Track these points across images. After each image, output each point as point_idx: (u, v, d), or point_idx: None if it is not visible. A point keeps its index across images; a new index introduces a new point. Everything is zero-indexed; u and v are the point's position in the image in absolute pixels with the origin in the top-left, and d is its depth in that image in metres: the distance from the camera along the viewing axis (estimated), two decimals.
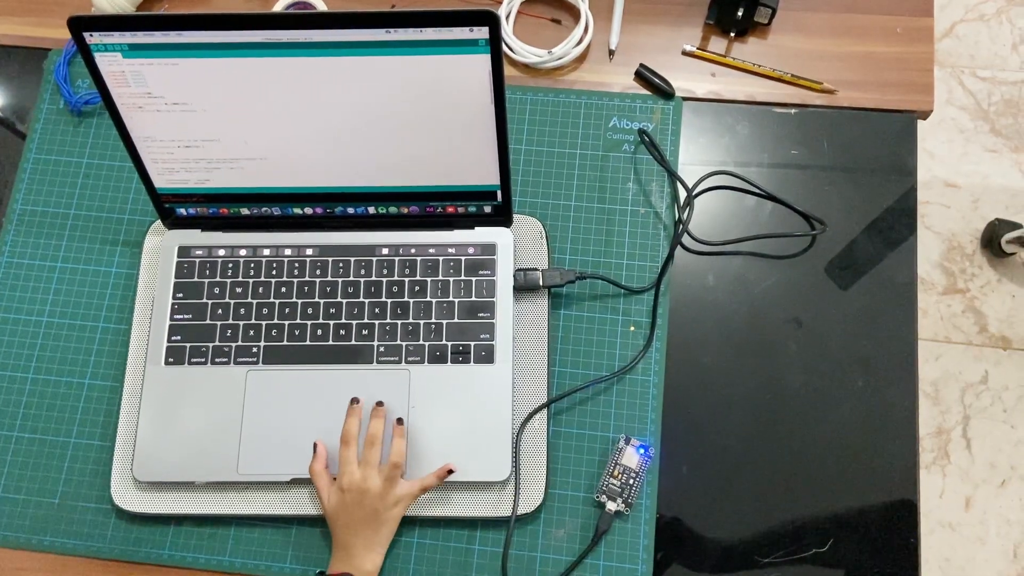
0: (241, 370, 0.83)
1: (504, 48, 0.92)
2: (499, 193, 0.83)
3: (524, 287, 0.85)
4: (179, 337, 0.84)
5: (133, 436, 0.82)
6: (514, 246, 0.86)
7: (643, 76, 0.93)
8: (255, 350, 0.84)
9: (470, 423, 0.81)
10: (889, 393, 0.83)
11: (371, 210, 0.85)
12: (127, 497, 0.81)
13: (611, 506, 0.80)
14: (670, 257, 0.84)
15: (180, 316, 0.85)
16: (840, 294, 0.86)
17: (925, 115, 0.91)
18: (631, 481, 0.80)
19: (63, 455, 0.84)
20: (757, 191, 0.89)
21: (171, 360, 0.84)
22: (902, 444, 0.82)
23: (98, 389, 0.86)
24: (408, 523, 0.81)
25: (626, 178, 0.91)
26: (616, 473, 0.81)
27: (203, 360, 0.84)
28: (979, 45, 1.91)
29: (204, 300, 0.85)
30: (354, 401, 0.80)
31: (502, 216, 0.85)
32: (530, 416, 0.82)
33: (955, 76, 1.89)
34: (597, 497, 0.80)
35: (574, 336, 0.86)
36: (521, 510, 0.80)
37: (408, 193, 0.82)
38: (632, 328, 0.86)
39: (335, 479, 0.77)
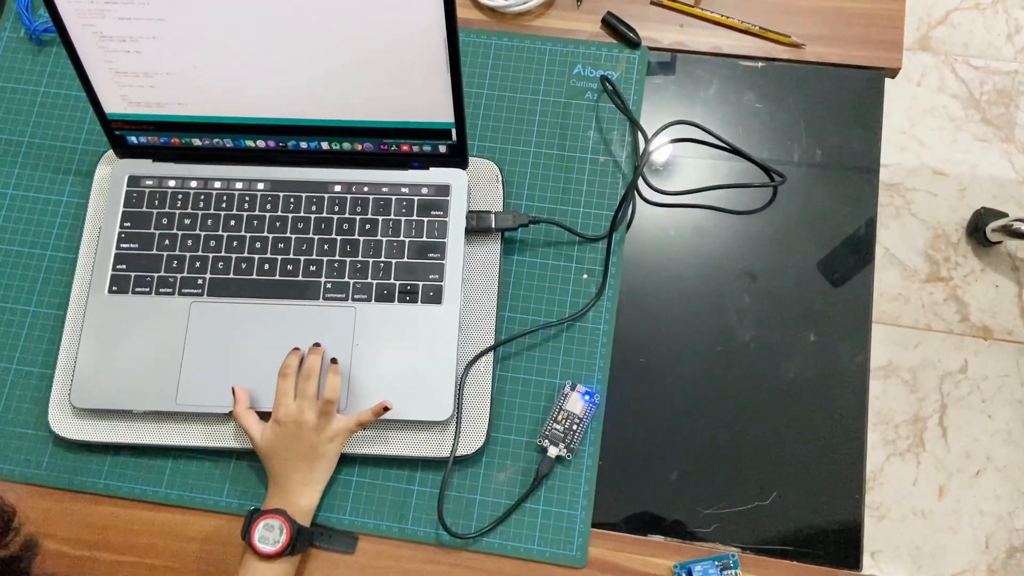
0: (185, 301, 0.82)
1: None
2: (454, 132, 0.81)
3: (476, 229, 0.84)
4: (124, 266, 0.83)
5: (73, 363, 0.81)
6: (468, 188, 0.85)
7: (610, 24, 0.92)
8: (200, 282, 0.82)
9: (414, 363, 0.80)
10: (841, 348, 0.82)
11: (324, 146, 0.84)
12: (64, 424, 0.80)
13: (553, 451, 0.79)
14: (624, 202, 0.82)
15: (126, 245, 0.84)
16: (797, 250, 0.85)
17: (893, 73, 0.90)
18: (574, 427, 0.79)
19: (3, 381, 0.83)
20: (719, 143, 0.88)
21: (115, 289, 0.83)
22: (852, 400, 0.80)
23: (42, 317, 0.85)
24: (347, 461, 0.80)
25: (587, 126, 0.89)
26: (560, 418, 0.79)
27: (147, 290, 0.82)
28: (973, 34, 1.89)
29: (151, 230, 0.84)
30: (295, 350, 0.79)
31: (457, 157, 0.84)
32: (475, 359, 0.81)
33: (948, 64, 1.87)
34: (540, 442, 0.79)
35: (526, 282, 0.85)
36: (461, 451, 0.78)
37: (361, 128, 0.81)
38: (585, 276, 0.85)
39: (263, 416, 0.76)
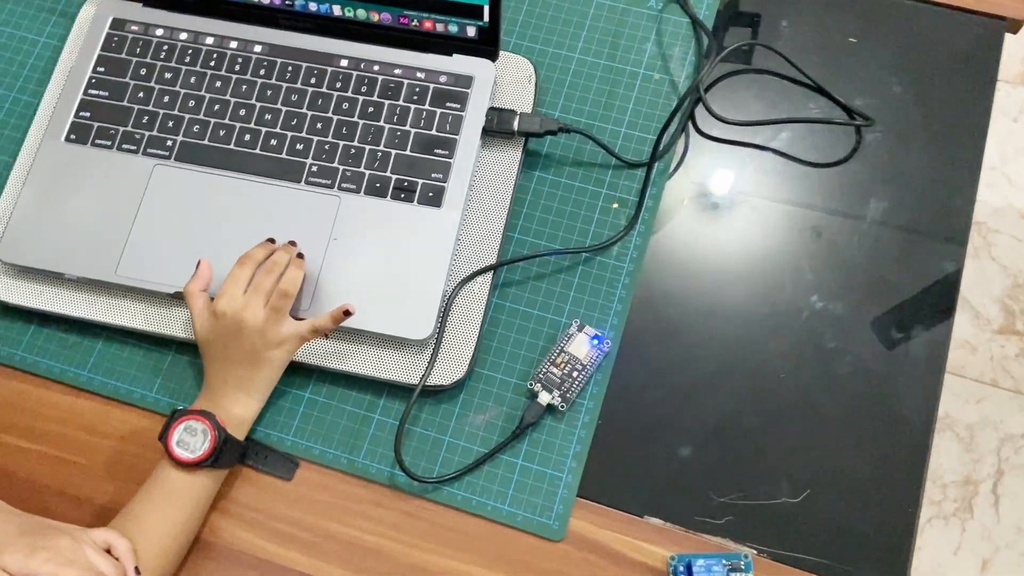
0: (148, 162, 0.70)
1: None
2: (486, 11, 0.69)
3: (496, 130, 0.71)
4: (88, 114, 0.72)
5: (10, 213, 0.70)
6: (494, 85, 0.72)
7: None
8: (170, 143, 0.71)
9: (398, 269, 0.67)
10: (914, 344, 0.67)
11: (336, 10, 0.72)
12: None
13: (544, 397, 0.65)
14: (673, 117, 0.68)
15: (95, 92, 0.73)
16: (875, 212, 0.70)
17: (1016, 27, 0.75)
18: (575, 373, 0.65)
19: None
20: (799, 76, 0.74)
21: (73, 137, 0.71)
22: (918, 401, 0.65)
23: None
24: (299, 372, 0.67)
25: (645, 37, 0.76)
26: (559, 361, 0.66)
27: (109, 144, 0.71)
28: None
29: (127, 79, 0.73)
30: (270, 241, 0.66)
31: (486, 46, 0.71)
32: (470, 277, 0.68)
33: None
34: (531, 385, 0.65)
35: (544, 202, 0.72)
36: (435, 380, 0.65)
37: None
38: (615, 205, 0.71)
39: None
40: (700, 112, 0.74)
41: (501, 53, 0.72)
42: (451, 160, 0.69)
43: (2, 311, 0.70)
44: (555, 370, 0.66)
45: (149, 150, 0.71)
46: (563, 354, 0.66)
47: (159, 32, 0.74)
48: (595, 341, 0.66)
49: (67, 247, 0.68)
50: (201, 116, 0.71)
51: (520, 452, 0.65)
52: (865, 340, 0.67)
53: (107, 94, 0.72)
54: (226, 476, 0.64)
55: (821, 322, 0.67)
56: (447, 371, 0.66)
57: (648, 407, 0.66)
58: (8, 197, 0.71)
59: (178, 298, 0.67)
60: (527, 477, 0.64)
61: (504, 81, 0.74)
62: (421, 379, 0.64)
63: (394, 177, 0.69)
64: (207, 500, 0.63)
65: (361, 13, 0.72)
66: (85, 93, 0.72)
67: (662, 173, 0.72)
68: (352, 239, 0.68)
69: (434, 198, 0.68)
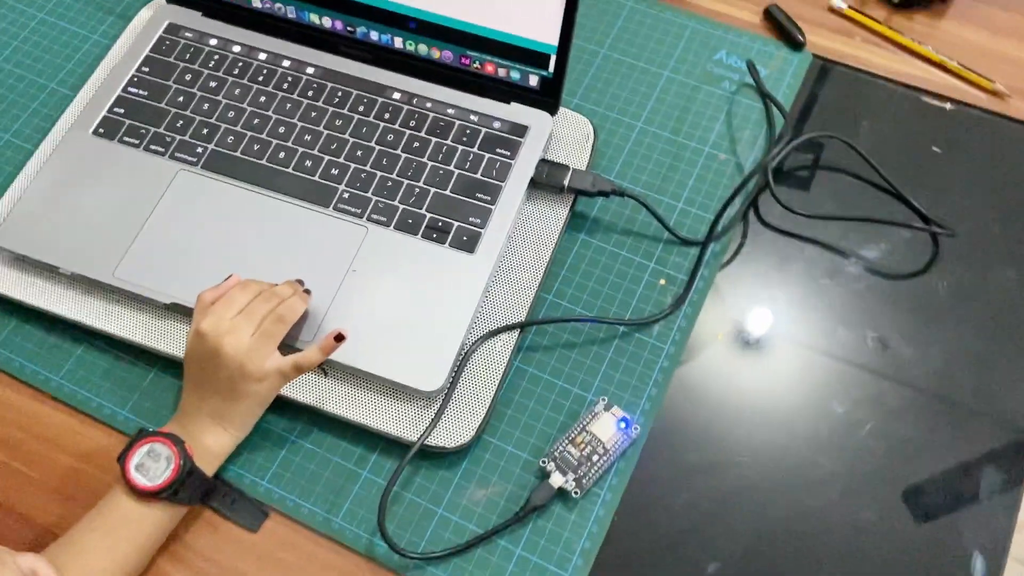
0: (173, 167, 0.66)
1: None
2: (552, 61, 0.65)
3: (545, 183, 0.66)
4: (122, 111, 0.68)
5: (18, 199, 0.65)
6: (550, 138, 0.68)
7: (774, 17, 0.75)
8: (200, 150, 0.67)
9: (417, 312, 0.60)
10: (983, 486, 0.58)
11: (398, 43, 0.68)
12: None
13: (557, 479, 0.57)
14: (733, 198, 0.63)
15: (134, 90, 0.69)
16: (950, 333, 0.63)
17: None
18: (595, 458, 0.57)
19: None
20: (874, 179, 0.68)
21: (101, 131, 0.68)
22: (978, 563, 0.56)
23: (13, 149, 0.71)
24: (290, 411, 0.60)
25: (714, 116, 0.72)
26: (579, 441, 0.58)
27: (136, 143, 0.67)
28: None
29: (169, 82, 0.70)
30: (288, 283, 0.60)
31: (548, 97, 0.67)
32: (494, 333, 0.61)
33: None
34: (543, 463, 0.57)
35: (586, 267, 0.66)
36: (437, 441, 0.58)
37: (445, 28, 0.66)
38: (663, 282, 0.65)
39: None
40: (764, 202, 0.68)
41: (561, 109, 0.68)
42: (492, 207, 0.64)
43: None
44: (573, 450, 0.58)
45: (177, 154, 0.67)
46: (585, 433, 0.58)
47: (212, 42, 0.71)
48: (622, 424, 0.59)
49: (69, 241, 0.63)
50: (238, 128, 0.67)
51: (520, 539, 0.56)
52: (925, 474, 0.58)
53: (146, 94, 0.69)
54: (184, 515, 0.56)
55: (878, 446, 0.59)
56: (452, 433, 0.58)
57: (674, 510, 0.57)
58: (20, 183, 0.67)
59: (173, 311, 0.61)
60: (524, 570, 0.55)
61: (560, 138, 0.69)
62: (421, 436, 0.57)
63: (428, 216, 0.64)
64: (158, 539, 0.55)
65: (423, 48, 0.68)
66: (124, 90, 0.69)
67: (717, 255, 0.66)
68: (372, 273, 0.62)
69: (468, 243, 0.63)
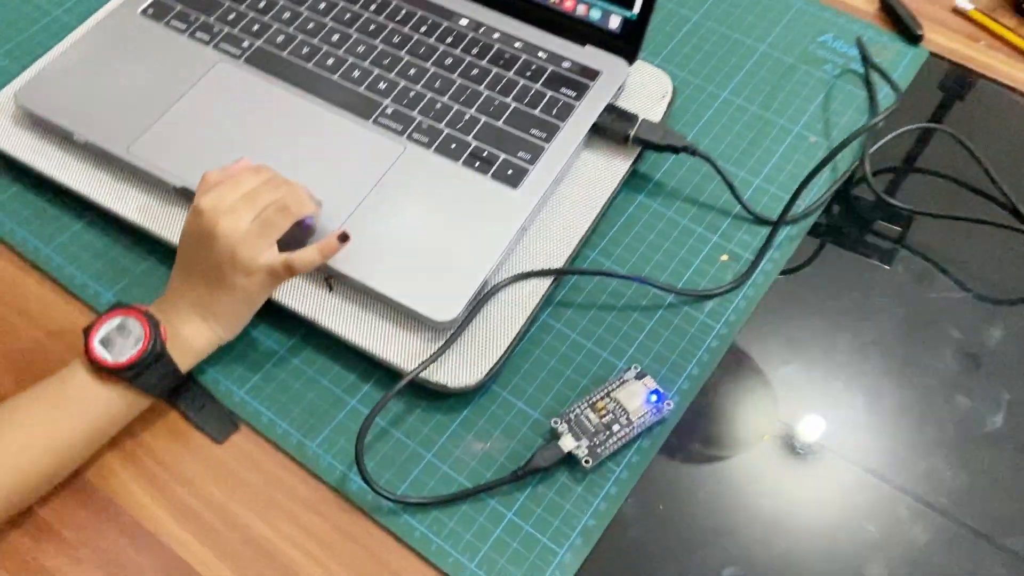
0: (214, 56, 0.62)
1: None
2: (637, 1, 0.59)
3: (609, 129, 0.59)
4: None
5: (49, 63, 0.61)
6: (622, 88, 0.61)
7: (890, 8, 0.68)
8: (246, 44, 0.62)
9: (442, 238, 0.54)
10: None
11: None
12: None
13: (568, 443, 0.49)
14: (815, 174, 0.55)
15: None
16: None
17: None
18: (616, 427, 0.49)
19: None
20: (988, 189, 0.60)
21: (150, 12, 0.64)
22: None
23: (59, 24, 0.68)
24: (287, 324, 0.54)
25: (809, 97, 0.64)
26: (600, 406, 0.50)
27: (183, 28, 0.63)
28: None
29: None
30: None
31: (627, 43, 0.61)
32: (523, 276, 0.54)
33: None
34: (555, 423, 0.49)
35: (639, 229, 0.58)
36: (438, 377, 0.50)
37: None
38: (725, 258, 0.57)
39: None
40: (854, 193, 0.60)
41: (639, 61, 0.62)
42: (545, 144, 0.57)
43: None
44: (592, 415, 0.50)
45: (221, 45, 0.62)
46: (608, 399, 0.50)
47: None
48: (653, 397, 0.50)
49: (90, 109, 0.59)
50: (290, 29, 0.63)
51: (515, 503, 0.48)
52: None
53: None
54: (144, 410, 0.50)
55: (932, 484, 0.49)
56: (457, 372, 0.51)
57: (697, 505, 0.49)
58: (56, 50, 0.63)
59: (182, 195, 0.56)
60: (513, 537, 0.47)
61: (634, 89, 0.62)
62: (421, 364, 0.50)
63: (475, 144, 0.58)
64: (108, 426, 0.49)
65: None
66: None
67: (792, 238, 0.58)
68: (401, 192, 0.56)
69: (512, 177, 0.56)
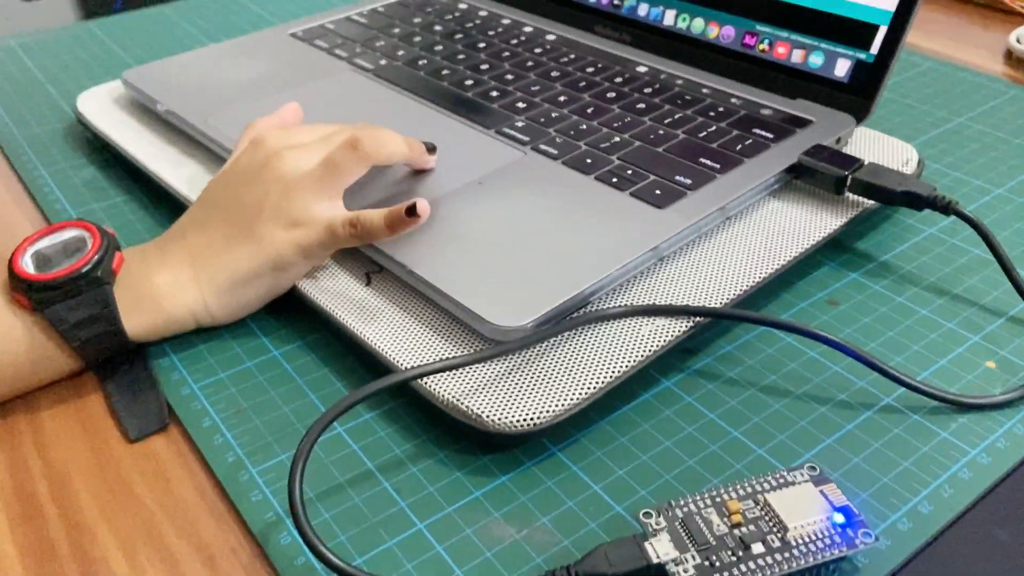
0: (343, 66, 0.53)
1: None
2: (880, 36, 0.44)
3: (817, 172, 0.41)
4: (333, 26, 0.59)
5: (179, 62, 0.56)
6: (841, 140, 0.44)
7: None
8: (383, 63, 0.53)
9: (535, 245, 0.37)
10: None
11: (669, 18, 0.52)
12: (88, 98, 0.54)
13: (661, 549, 0.26)
14: None
15: (358, 17, 0.60)
16: None
17: None
18: (758, 549, 0.26)
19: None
20: None
21: (299, 35, 0.58)
22: None
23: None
24: (296, 323, 0.38)
25: None
26: (735, 509, 0.27)
27: (327, 47, 0.56)
28: None
29: (393, 19, 0.60)
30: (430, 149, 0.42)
31: (857, 95, 0.45)
32: (649, 311, 0.35)
33: None
34: (645, 517, 0.27)
35: (849, 311, 0.38)
36: (475, 405, 0.31)
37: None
38: (992, 365, 0.35)
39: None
40: None
41: (874, 130, 0.45)
42: (716, 176, 0.40)
43: (77, 145, 0.53)
44: (715, 518, 0.27)
45: (356, 60, 0.54)
46: (754, 501, 0.28)
47: (462, 5, 0.61)
48: (839, 517, 0.27)
49: (187, 89, 0.51)
50: (437, 59, 0.53)
51: None
52: None
53: (366, 22, 0.59)
54: (56, 376, 0.34)
55: None
56: (506, 404, 0.31)
57: None
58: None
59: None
60: None
61: (863, 154, 0.45)
62: (423, 365, 0.31)
63: (617, 161, 0.42)
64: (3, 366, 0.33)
65: (698, 24, 0.51)
66: (348, 16, 0.60)
67: None
68: (503, 191, 0.40)
69: (659, 197, 0.39)
